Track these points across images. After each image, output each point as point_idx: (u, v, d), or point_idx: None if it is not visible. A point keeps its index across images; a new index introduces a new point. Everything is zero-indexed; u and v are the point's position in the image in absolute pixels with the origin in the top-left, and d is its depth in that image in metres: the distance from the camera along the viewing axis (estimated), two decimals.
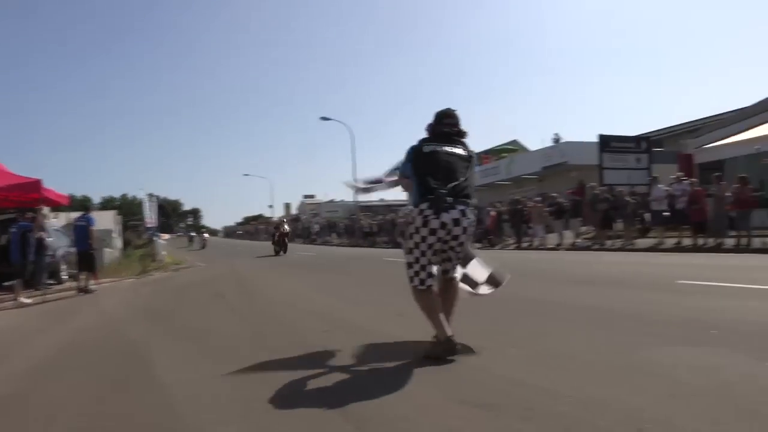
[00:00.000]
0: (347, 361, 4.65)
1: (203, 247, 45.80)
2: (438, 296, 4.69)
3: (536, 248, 21.85)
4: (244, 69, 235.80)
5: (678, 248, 16.73)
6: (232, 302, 9.56)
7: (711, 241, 16.44)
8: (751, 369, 3.70)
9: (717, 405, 3.05)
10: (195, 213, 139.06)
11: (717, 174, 17.79)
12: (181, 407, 3.70)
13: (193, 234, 61.33)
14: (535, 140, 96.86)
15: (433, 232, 4.38)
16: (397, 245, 31.79)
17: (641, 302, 6.73)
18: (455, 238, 4.48)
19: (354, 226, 41.95)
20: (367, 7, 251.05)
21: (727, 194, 16.20)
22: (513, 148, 47.55)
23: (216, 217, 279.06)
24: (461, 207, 4.41)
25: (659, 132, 43.60)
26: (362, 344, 5.25)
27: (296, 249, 31.51)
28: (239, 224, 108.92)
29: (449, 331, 4.40)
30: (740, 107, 29.75)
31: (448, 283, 4.80)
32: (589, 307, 6.54)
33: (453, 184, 4.40)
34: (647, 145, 26.28)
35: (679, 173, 19.04)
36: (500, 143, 51.94)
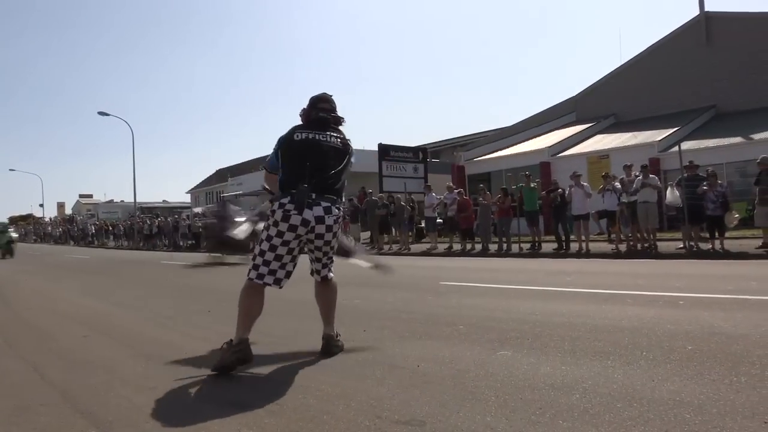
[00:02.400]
0: (101, 364, 4.37)
1: None
2: (319, 296, 4.51)
3: None
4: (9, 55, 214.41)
5: (449, 253, 17.90)
6: None
7: (478, 246, 17.82)
8: (484, 358, 4.04)
9: (449, 390, 3.29)
10: None
11: (481, 185, 19.39)
12: None
13: None
14: None
15: (293, 228, 4.00)
16: (178, 248, 30.75)
17: (403, 302, 7.10)
18: (320, 236, 4.14)
19: (133, 228, 39.67)
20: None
21: (492, 202, 17.67)
22: None
23: None
24: (326, 203, 4.09)
25: (437, 144, 46.49)
26: (120, 348, 5.02)
27: (69, 252, 29.30)
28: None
29: (247, 334, 4.01)
30: (503, 126, 32.73)
31: (323, 283, 4.51)
32: (353, 306, 6.69)
33: (321, 177, 4.10)
34: (424, 155, 27.82)
35: (449, 184, 20.36)
36: None
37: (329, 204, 4.12)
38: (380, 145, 26.14)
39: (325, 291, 4.51)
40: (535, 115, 33.75)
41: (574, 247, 15.52)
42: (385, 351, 4.41)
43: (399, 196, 20.85)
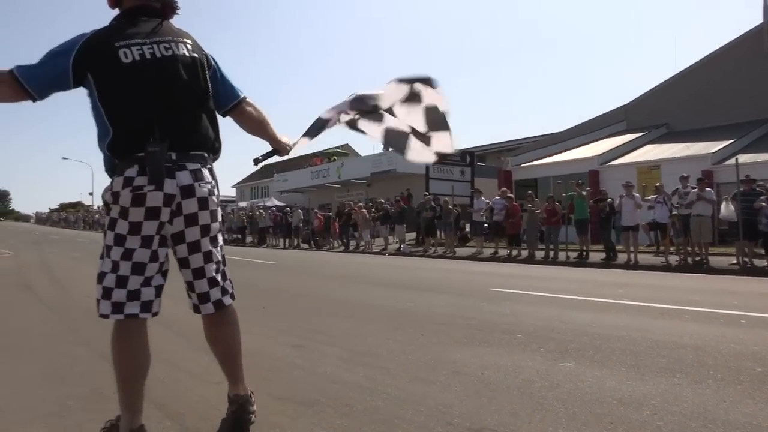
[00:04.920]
0: (164, 357, 4.43)
1: None
2: (214, 338, 2.80)
3: (362, 252, 22.33)
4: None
5: (494, 258, 17.80)
6: (42, 295, 8.82)
7: (524, 253, 17.69)
8: (548, 369, 4.03)
9: (516, 399, 3.30)
10: (3, 196, 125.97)
11: (529, 192, 19.25)
12: None
13: None
14: (367, 146, 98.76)
15: (153, 214, 2.45)
16: (224, 241, 30.91)
17: (456, 307, 7.07)
18: (191, 220, 2.53)
19: None
20: None
21: (538, 211, 17.53)
22: (344, 152, 48.11)
23: (28, 202, 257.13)
24: (193, 165, 2.53)
25: (483, 148, 46.21)
26: (178, 340, 5.10)
27: None
28: (54, 211, 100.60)
29: (138, 417, 2.53)
30: (552, 132, 32.31)
31: (213, 319, 2.73)
32: (406, 309, 6.76)
33: (178, 122, 2.51)
34: (471, 159, 27.68)
35: (504, 189, 20.23)
36: (332, 145, 52.40)
37: (198, 165, 2.56)
38: None
39: (222, 329, 2.78)
40: (585, 122, 33.28)
41: (621, 258, 15.30)
42: (446, 356, 4.41)
43: (447, 199, 20.82)
